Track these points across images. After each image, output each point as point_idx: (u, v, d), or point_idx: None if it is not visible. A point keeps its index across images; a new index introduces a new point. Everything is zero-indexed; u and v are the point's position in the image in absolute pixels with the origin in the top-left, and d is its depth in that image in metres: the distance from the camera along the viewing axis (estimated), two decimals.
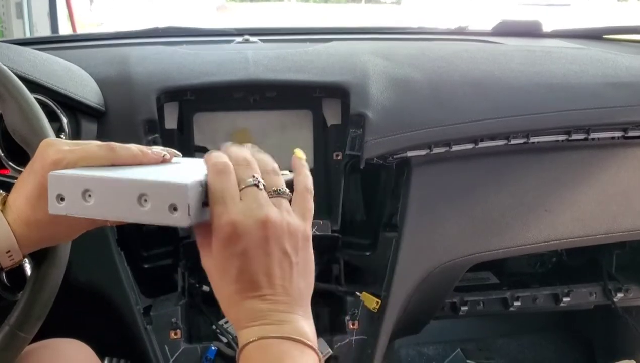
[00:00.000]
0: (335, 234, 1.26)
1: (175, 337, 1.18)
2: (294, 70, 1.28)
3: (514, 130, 1.25)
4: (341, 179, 1.29)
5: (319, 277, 1.31)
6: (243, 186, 0.62)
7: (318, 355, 0.60)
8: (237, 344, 1.19)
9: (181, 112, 1.30)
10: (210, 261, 0.63)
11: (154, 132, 1.19)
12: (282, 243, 0.62)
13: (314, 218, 1.23)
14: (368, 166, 1.23)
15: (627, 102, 1.29)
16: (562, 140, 1.28)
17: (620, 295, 1.56)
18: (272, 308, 0.61)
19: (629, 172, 1.30)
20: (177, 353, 1.17)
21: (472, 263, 1.27)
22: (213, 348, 1.18)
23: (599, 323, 1.88)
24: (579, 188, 1.28)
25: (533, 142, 1.27)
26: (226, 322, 1.24)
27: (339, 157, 1.31)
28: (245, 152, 0.66)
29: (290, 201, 0.66)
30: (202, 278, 1.30)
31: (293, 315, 0.61)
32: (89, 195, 0.61)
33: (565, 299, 1.53)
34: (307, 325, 0.62)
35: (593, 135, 1.28)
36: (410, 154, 1.24)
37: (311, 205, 0.67)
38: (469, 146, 1.25)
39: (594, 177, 1.29)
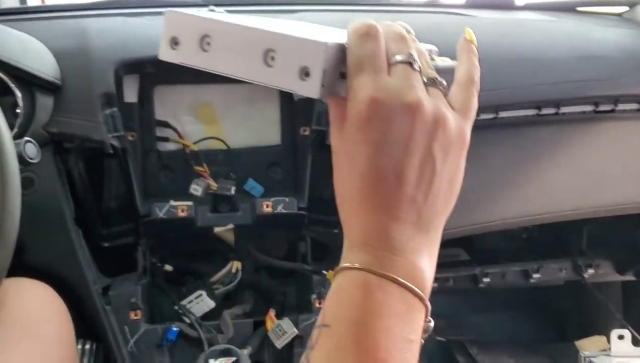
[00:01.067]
0: (302, 212, 1.23)
1: (135, 317, 1.15)
2: None
3: (483, 105, 1.20)
4: (308, 154, 1.26)
5: (287, 256, 1.29)
6: (394, 61, 0.49)
7: (427, 309, 0.49)
8: (200, 325, 1.17)
9: (142, 85, 1.26)
10: (339, 143, 0.50)
11: (111, 105, 1.15)
12: (430, 140, 0.48)
13: (280, 195, 1.22)
14: None
15: (599, 76, 1.27)
16: (532, 115, 1.25)
17: (590, 271, 1.55)
18: (391, 228, 0.48)
19: (599, 147, 1.28)
20: (138, 335, 1.14)
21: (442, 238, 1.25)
22: (175, 329, 1.15)
23: (571, 299, 1.88)
24: (548, 164, 1.26)
25: (502, 117, 1.24)
26: (189, 302, 1.21)
27: (306, 132, 1.28)
28: (400, 28, 0.51)
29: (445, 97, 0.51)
30: (165, 257, 1.27)
31: (415, 242, 0.48)
32: (208, 43, 0.52)
33: (535, 275, 1.53)
34: (427, 262, 0.49)
35: (563, 109, 1.25)
36: None
37: (475, 101, 0.52)
38: None
39: (564, 152, 1.26)
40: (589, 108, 1.28)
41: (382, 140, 0.47)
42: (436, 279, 1.49)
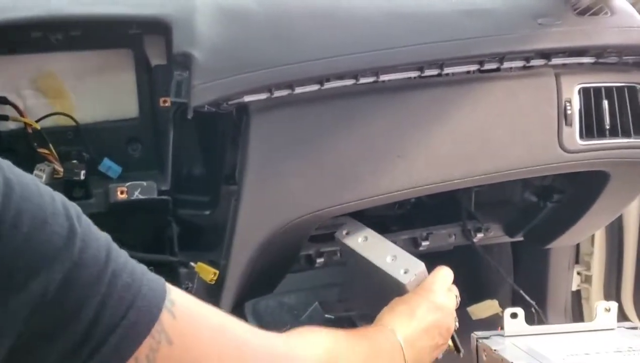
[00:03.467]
0: (164, 197, 1.09)
1: None
2: (105, 2, 1.09)
3: (363, 68, 1.11)
4: (170, 128, 1.14)
5: (149, 247, 1.15)
6: (451, 293, 1.06)
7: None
8: None
9: None
10: (404, 304, 0.98)
11: None
12: (442, 332, 1.00)
13: (141, 175, 1.09)
14: (203, 113, 1.06)
15: (484, 32, 1.18)
16: (415, 78, 1.16)
17: (480, 235, 1.50)
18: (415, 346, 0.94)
19: (485, 109, 1.20)
20: None
21: (321, 219, 1.15)
22: None
23: (462, 264, 1.84)
24: (433, 130, 1.17)
25: (384, 81, 1.14)
26: None
27: (166, 104, 1.15)
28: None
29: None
30: None
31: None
32: (366, 239, 1.13)
33: (424, 243, 1.46)
34: None
35: (447, 70, 1.16)
36: (247, 98, 1.07)
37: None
38: (315, 88, 1.11)
39: (449, 116, 1.17)
40: (473, 67, 1.19)
41: (436, 318, 0.98)
42: (322, 254, 1.41)
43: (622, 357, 0.95)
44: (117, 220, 1.11)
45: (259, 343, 0.68)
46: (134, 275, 0.56)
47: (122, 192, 1.06)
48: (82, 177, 1.06)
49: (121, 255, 0.57)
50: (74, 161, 1.09)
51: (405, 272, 1.00)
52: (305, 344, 0.76)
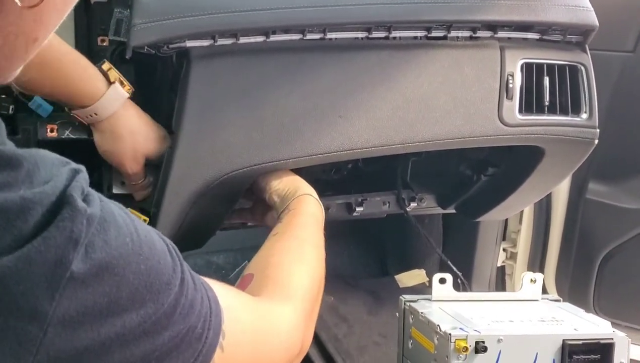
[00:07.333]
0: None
1: None
2: None
3: (310, 23, 1.09)
4: None
5: None
6: None
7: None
8: None
9: None
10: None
11: None
12: None
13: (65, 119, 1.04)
14: (141, 55, 1.02)
15: None
16: (362, 38, 1.14)
17: (413, 204, 1.51)
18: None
19: (429, 76, 1.19)
20: None
21: (257, 174, 1.12)
22: None
23: (392, 231, 1.85)
24: (376, 93, 1.15)
25: (330, 39, 1.12)
26: None
27: (104, 43, 1.10)
28: None
29: None
30: None
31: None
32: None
33: (358, 209, 1.45)
34: None
35: (395, 33, 1.15)
36: (189, 43, 1.04)
37: None
38: (260, 39, 1.08)
39: (393, 80, 1.17)
40: (421, 33, 1.19)
41: None
42: None
43: (546, 326, 0.97)
44: None
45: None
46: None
47: (52, 130, 1.01)
48: (11, 112, 1.01)
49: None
50: (2, 95, 1.04)
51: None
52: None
